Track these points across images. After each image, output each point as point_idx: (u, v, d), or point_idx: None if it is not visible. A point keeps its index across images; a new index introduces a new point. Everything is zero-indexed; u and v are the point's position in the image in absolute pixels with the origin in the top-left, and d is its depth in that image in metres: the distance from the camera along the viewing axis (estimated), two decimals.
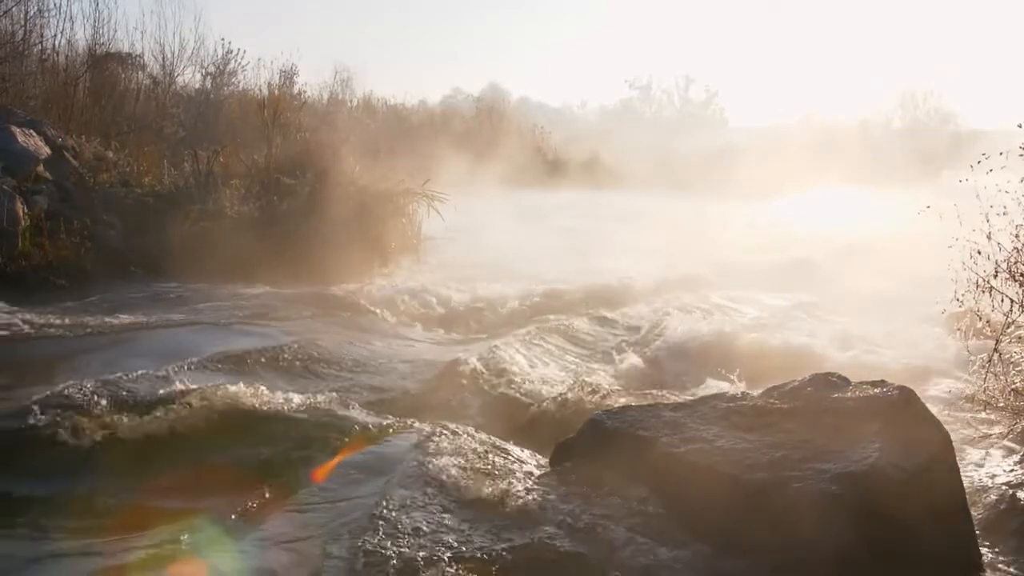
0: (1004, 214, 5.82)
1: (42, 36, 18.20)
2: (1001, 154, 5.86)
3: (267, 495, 4.60)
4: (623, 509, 4.14)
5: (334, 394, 6.32)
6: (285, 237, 12.22)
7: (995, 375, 5.95)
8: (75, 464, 4.98)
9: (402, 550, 3.80)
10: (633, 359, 8.32)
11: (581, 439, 4.75)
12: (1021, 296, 5.85)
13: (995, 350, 5.90)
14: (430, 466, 4.69)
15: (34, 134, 12.75)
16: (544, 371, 7.47)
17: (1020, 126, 5.72)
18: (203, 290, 11.03)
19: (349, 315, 10.05)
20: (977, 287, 5.92)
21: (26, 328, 8.50)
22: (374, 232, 13.32)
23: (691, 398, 5.40)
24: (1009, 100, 60.93)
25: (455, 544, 3.84)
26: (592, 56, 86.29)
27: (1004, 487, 4.77)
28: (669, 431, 4.42)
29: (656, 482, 4.23)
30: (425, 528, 3.99)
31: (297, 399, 5.85)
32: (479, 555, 3.78)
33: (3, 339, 8.09)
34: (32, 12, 17.82)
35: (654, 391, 6.99)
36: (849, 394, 4.46)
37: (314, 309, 10.17)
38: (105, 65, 19.25)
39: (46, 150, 12.69)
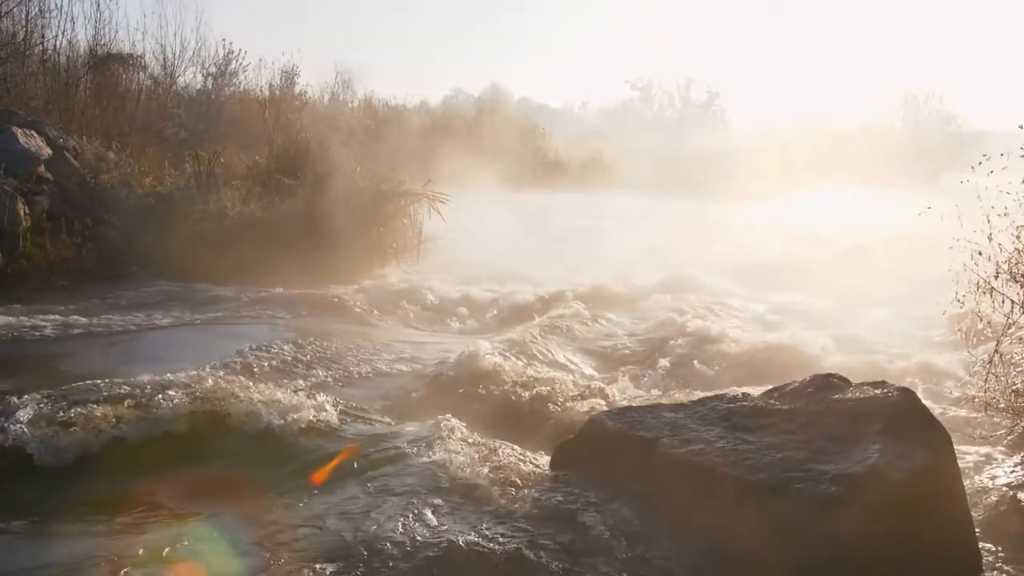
0: (1005, 215, 5.81)
1: (43, 37, 18.23)
2: (1002, 155, 5.85)
3: (266, 496, 4.60)
4: (624, 510, 4.14)
5: (334, 395, 6.32)
6: (286, 238, 12.21)
7: (996, 376, 5.94)
8: (73, 464, 4.98)
9: (400, 551, 3.81)
10: (633, 359, 8.33)
11: (581, 440, 4.75)
12: (1022, 297, 5.84)
13: (996, 351, 5.89)
14: (430, 468, 4.69)
15: (35, 135, 12.77)
16: (544, 371, 7.47)
17: (1021, 127, 5.72)
18: (204, 291, 11.05)
19: (349, 316, 10.07)
20: (978, 288, 5.90)
21: (27, 328, 8.51)
22: (375, 233, 13.33)
23: (691, 399, 5.39)
24: (1010, 101, 61.02)
25: (455, 545, 3.84)
26: (593, 57, 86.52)
27: (1004, 488, 4.77)
28: (669, 432, 4.42)
29: (656, 483, 4.23)
30: (424, 529, 3.99)
31: (297, 400, 5.85)
32: (479, 556, 3.78)
33: (4, 339, 8.11)
34: (33, 13, 17.88)
35: (654, 391, 6.99)
36: (849, 395, 4.45)
37: (314, 310, 10.19)
38: (106, 66, 19.25)
39: (47, 151, 12.71)
